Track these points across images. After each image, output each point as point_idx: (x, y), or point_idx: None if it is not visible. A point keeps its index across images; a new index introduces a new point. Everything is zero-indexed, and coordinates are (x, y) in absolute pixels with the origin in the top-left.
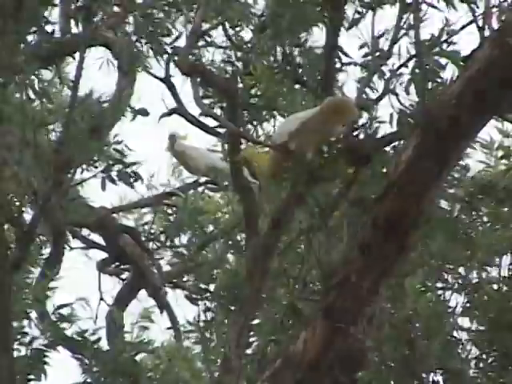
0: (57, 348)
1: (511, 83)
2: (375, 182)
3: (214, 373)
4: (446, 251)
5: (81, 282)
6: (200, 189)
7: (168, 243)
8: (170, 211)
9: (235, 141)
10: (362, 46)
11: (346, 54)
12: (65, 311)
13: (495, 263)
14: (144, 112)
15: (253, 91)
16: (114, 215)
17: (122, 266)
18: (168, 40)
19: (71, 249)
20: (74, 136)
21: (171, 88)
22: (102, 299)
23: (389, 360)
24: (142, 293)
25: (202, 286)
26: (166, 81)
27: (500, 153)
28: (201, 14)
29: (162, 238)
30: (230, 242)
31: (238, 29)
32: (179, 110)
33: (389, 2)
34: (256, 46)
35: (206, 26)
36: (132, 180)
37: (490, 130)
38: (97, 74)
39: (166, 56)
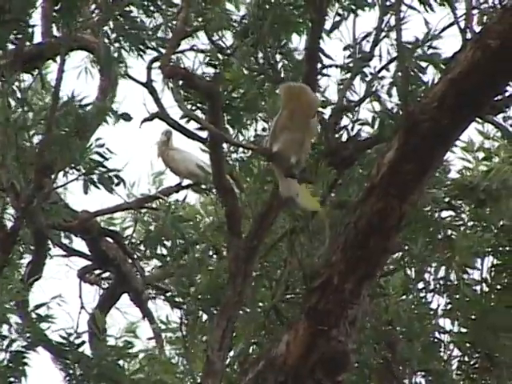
0: (36, 349)
1: (493, 85)
2: (357, 184)
3: (196, 375)
4: (427, 253)
5: (62, 292)
6: (181, 195)
7: (149, 251)
8: (151, 216)
9: (217, 143)
10: (345, 48)
11: (327, 56)
12: (42, 312)
13: (475, 265)
14: (127, 117)
15: (234, 94)
16: (97, 219)
17: (103, 275)
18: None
19: (51, 257)
20: (56, 139)
21: (153, 93)
22: (83, 307)
23: (370, 362)
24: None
25: (184, 290)
26: (148, 85)
27: (481, 154)
28: (183, 16)
29: (143, 246)
30: (210, 246)
31: (219, 32)
32: (161, 115)
33: (369, 6)
34: (238, 49)
35: (188, 29)
36: (114, 184)
37: (471, 132)
38: (79, 78)
39: (146, 58)
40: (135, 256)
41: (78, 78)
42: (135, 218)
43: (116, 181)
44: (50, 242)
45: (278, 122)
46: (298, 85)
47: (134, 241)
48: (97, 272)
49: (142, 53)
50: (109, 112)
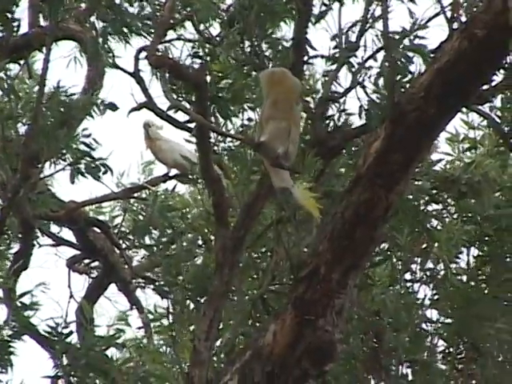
0: (22, 338)
1: (479, 75)
2: (344, 174)
3: (183, 365)
4: (413, 243)
5: (51, 281)
6: (170, 184)
7: (138, 240)
8: (140, 206)
9: (204, 134)
10: (332, 39)
11: (312, 47)
12: (29, 300)
13: (456, 256)
14: (113, 106)
15: (221, 84)
16: (86, 209)
17: (92, 264)
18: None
19: (40, 246)
20: (43, 129)
21: (140, 83)
22: (72, 296)
23: (357, 352)
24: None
25: (171, 279)
26: (136, 75)
27: (466, 145)
28: (169, 6)
29: (132, 235)
30: (198, 236)
31: (206, 23)
32: (148, 105)
33: None
34: (224, 39)
35: (174, 19)
36: (101, 173)
37: (456, 122)
38: (68, 68)
39: (135, 49)
40: (124, 246)
41: (67, 67)
42: (124, 207)
43: (103, 169)
44: (38, 231)
45: (263, 113)
46: (278, 70)
47: (123, 230)
48: (86, 261)
49: (127, 38)
50: (95, 102)
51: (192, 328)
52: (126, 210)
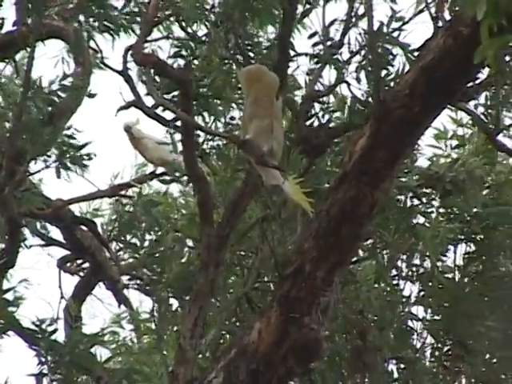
0: (7, 334)
1: (464, 72)
2: (329, 171)
3: (168, 363)
4: (399, 240)
5: (43, 281)
6: (157, 182)
7: (122, 239)
8: (126, 202)
9: (189, 132)
10: (312, 35)
11: (293, 49)
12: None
13: (445, 253)
14: (90, 94)
15: (204, 82)
16: (79, 207)
17: (83, 265)
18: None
19: (30, 246)
20: (27, 126)
21: (128, 81)
22: (62, 297)
23: (342, 350)
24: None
25: (156, 278)
26: (124, 74)
27: (454, 142)
28: (153, 4)
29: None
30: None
31: (191, 21)
32: (137, 103)
33: None
34: (208, 37)
35: (159, 17)
36: (85, 161)
37: (444, 119)
38: (55, 68)
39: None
40: (115, 246)
41: (54, 67)
42: (116, 209)
43: (87, 158)
44: (29, 231)
45: (245, 111)
46: (254, 67)
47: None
48: (77, 262)
49: (112, 34)
50: (83, 97)
51: (177, 326)
52: (118, 212)
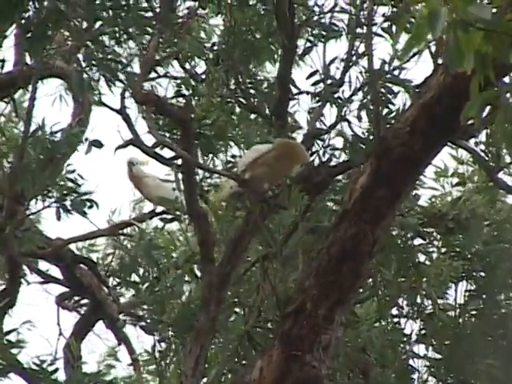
0: (8, 376)
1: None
2: (330, 209)
3: None
4: (400, 279)
5: (41, 318)
6: (156, 220)
7: (123, 278)
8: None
9: (190, 170)
10: (312, 74)
11: (295, 86)
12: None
13: (444, 292)
14: (98, 144)
15: (205, 121)
16: (78, 246)
17: (81, 302)
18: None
19: (29, 283)
20: (27, 167)
21: (126, 119)
22: (61, 334)
23: None
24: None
25: (156, 317)
26: (122, 112)
27: (455, 180)
28: (154, 44)
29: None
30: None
31: (192, 60)
32: (135, 142)
33: (337, 35)
34: (209, 76)
35: (159, 57)
36: (87, 207)
37: (445, 157)
38: (54, 105)
39: (120, 86)
40: (112, 283)
41: (52, 105)
42: (115, 245)
43: (88, 204)
44: (27, 268)
45: (261, 159)
46: (294, 144)
47: (113, 267)
48: (75, 299)
49: (112, 84)
50: (80, 136)
51: (178, 365)
52: (116, 248)
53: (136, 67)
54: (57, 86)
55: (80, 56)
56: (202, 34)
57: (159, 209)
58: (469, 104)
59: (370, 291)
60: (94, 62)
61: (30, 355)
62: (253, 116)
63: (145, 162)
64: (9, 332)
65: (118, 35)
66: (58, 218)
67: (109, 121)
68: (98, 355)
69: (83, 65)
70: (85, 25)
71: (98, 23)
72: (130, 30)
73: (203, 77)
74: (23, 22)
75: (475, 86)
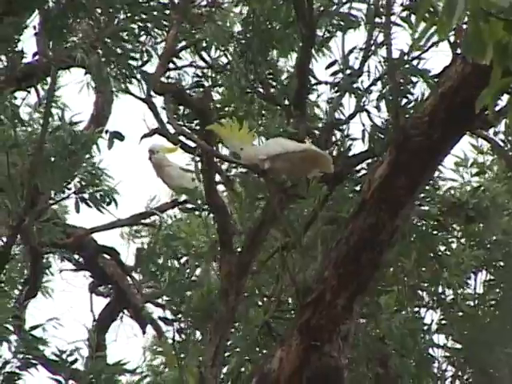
0: (30, 369)
1: None
2: (349, 199)
3: None
4: (420, 268)
5: (75, 304)
6: (176, 210)
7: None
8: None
9: (209, 160)
10: (331, 64)
11: (314, 77)
12: (38, 332)
13: (465, 281)
14: (119, 136)
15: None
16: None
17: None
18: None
19: (61, 271)
20: (47, 159)
21: (152, 108)
22: (95, 320)
23: (362, 378)
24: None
25: (176, 307)
26: (147, 101)
27: (474, 169)
28: (173, 34)
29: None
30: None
31: (212, 50)
32: (161, 131)
33: (355, 25)
34: (228, 66)
35: (178, 47)
36: (106, 203)
37: (465, 147)
38: (80, 93)
39: (140, 77)
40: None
41: (79, 92)
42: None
43: (107, 200)
44: (58, 256)
45: (285, 156)
46: (323, 154)
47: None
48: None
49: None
50: (96, 139)
51: (198, 355)
52: (152, 240)
53: (155, 58)
54: (83, 73)
55: (99, 51)
56: (226, 23)
57: (181, 198)
58: (483, 92)
59: (391, 281)
60: (112, 59)
61: (66, 340)
62: (272, 106)
63: (172, 149)
64: (34, 327)
65: (136, 30)
66: (77, 210)
67: (135, 109)
68: (120, 344)
69: (102, 60)
70: (103, 18)
71: (117, 19)
72: (149, 24)
73: (223, 67)
74: (43, 13)
75: (496, 74)
